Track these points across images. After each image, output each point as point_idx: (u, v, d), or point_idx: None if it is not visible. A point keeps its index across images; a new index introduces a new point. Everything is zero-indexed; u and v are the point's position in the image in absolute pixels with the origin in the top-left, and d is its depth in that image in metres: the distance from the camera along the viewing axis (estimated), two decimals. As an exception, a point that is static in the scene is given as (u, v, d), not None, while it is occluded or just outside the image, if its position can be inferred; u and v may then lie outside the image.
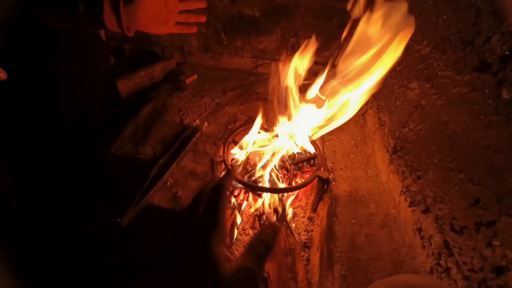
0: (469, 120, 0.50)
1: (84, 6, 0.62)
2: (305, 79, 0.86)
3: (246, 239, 0.88)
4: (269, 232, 0.35)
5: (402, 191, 0.69)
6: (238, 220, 0.89)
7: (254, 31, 1.23)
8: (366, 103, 1.05)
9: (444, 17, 0.62)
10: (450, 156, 0.53)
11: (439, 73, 0.61)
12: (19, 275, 0.56)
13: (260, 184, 0.88)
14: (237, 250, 0.85)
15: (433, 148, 0.58)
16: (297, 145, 0.96)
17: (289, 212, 0.91)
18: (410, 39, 0.77)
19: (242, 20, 1.22)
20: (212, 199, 0.37)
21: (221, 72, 1.32)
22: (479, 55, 0.50)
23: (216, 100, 1.16)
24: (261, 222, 0.89)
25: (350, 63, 0.73)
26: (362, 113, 1.05)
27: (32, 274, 0.59)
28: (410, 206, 0.65)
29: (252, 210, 0.92)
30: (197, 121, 1.03)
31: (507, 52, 0.43)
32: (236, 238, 0.86)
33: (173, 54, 1.35)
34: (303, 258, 0.83)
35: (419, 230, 0.60)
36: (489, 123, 0.45)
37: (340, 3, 1.11)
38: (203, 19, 0.74)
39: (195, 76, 1.26)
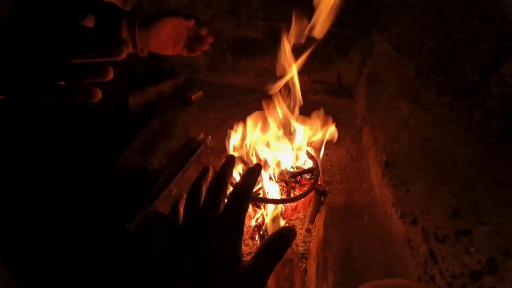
0: (448, 138, 0.55)
1: (105, 30, 0.70)
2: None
3: (246, 249, 0.91)
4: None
5: (393, 203, 0.73)
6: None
7: (257, 51, 1.33)
8: (362, 120, 1.11)
9: (427, 44, 0.69)
10: (434, 170, 0.58)
11: (423, 95, 0.67)
12: (19, 277, 0.58)
13: (260, 195, 0.92)
14: (237, 259, 0.88)
15: (419, 163, 0.63)
16: (295, 158, 1.01)
17: (287, 223, 0.95)
18: (399, 63, 0.84)
19: (246, 42, 1.32)
20: (236, 197, 0.34)
21: (226, 89, 1.40)
22: (455, 80, 0.56)
23: (220, 115, 1.23)
24: (261, 233, 0.93)
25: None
26: (358, 130, 1.10)
27: (34, 276, 0.61)
28: (400, 218, 0.69)
29: (252, 220, 0.96)
30: (202, 135, 1.09)
31: (477, 79, 0.49)
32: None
33: (181, 71, 1.44)
34: (301, 269, 0.86)
35: (408, 240, 0.63)
36: (464, 140, 0.51)
37: (336, 28, 1.20)
38: (206, 47, 0.82)
39: (201, 93, 1.34)
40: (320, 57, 1.28)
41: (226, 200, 0.34)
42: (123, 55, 0.39)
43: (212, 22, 1.29)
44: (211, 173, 0.41)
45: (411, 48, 0.75)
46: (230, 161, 0.40)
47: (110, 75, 0.38)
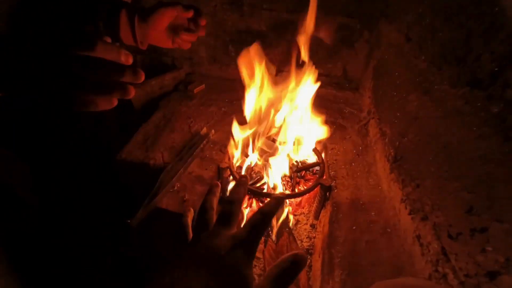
0: (462, 131, 0.53)
1: (104, 24, 0.68)
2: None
3: (250, 244, 0.90)
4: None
5: (402, 199, 0.71)
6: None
7: (261, 44, 1.29)
8: (369, 114, 1.09)
9: (440, 34, 0.66)
10: (446, 165, 0.56)
11: (435, 87, 0.64)
12: (21, 274, 0.57)
13: (264, 191, 0.91)
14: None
15: (430, 158, 0.61)
16: (298, 152, 0.99)
17: (292, 218, 0.93)
18: (409, 54, 0.81)
19: (249, 34, 1.28)
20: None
21: (228, 82, 1.37)
22: (471, 71, 0.53)
23: (223, 109, 1.21)
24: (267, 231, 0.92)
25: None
26: (364, 123, 1.08)
27: (36, 274, 0.60)
28: (409, 214, 0.67)
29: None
30: (205, 129, 1.07)
31: (496, 69, 0.47)
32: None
33: (182, 64, 1.41)
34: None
35: (418, 237, 0.62)
36: (481, 134, 0.48)
37: (342, 19, 1.17)
38: (202, 33, 0.79)
39: (203, 86, 1.31)
40: (325, 49, 1.25)
41: (243, 223, 0.35)
42: (126, 58, 0.40)
43: (215, 13, 1.25)
44: (219, 190, 0.42)
45: (423, 38, 0.72)
46: (243, 183, 0.40)
47: (118, 76, 0.38)
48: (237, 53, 1.33)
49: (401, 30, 0.88)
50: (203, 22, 0.74)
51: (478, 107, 0.50)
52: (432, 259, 0.57)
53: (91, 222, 0.75)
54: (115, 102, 0.38)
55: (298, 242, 0.89)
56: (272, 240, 0.87)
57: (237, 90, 1.32)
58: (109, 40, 0.44)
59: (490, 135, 0.46)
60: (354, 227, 0.72)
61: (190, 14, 0.72)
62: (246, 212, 0.95)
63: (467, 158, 0.50)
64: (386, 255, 0.65)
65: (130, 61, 0.41)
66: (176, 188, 0.86)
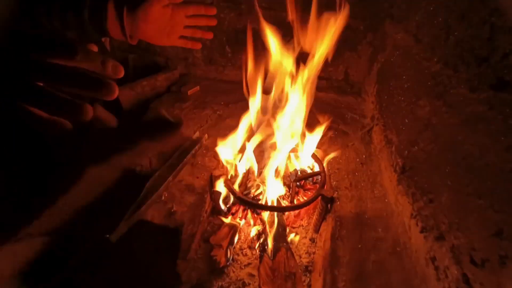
0: (486, 141, 0.46)
1: (89, 13, 0.61)
2: None
3: (244, 260, 0.83)
4: None
5: (412, 214, 0.64)
6: (236, 239, 0.84)
7: (259, 44, 1.23)
8: (372, 120, 1.03)
9: (456, 33, 0.60)
10: (466, 179, 0.49)
11: (451, 91, 0.58)
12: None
13: (260, 202, 0.83)
14: (233, 272, 0.79)
15: (446, 170, 0.54)
16: (298, 160, 0.93)
17: (290, 232, 0.86)
18: (419, 56, 0.75)
19: (247, 34, 1.22)
20: None
21: (224, 84, 1.31)
22: (495, 73, 0.47)
23: (218, 112, 1.14)
24: (260, 241, 0.84)
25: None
26: (367, 130, 1.01)
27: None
28: (421, 231, 0.60)
29: (252, 229, 0.87)
30: (197, 133, 1.00)
31: (529, 70, 0.40)
32: (232, 258, 0.81)
33: (177, 65, 1.35)
34: (304, 283, 0.77)
35: (433, 259, 0.55)
36: (510, 145, 0.42)
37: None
38: (209, 36, 0.75)
39: (198, 88, 1.25)
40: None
41: None
42: (114, 70, 0.32)
43: (211, 11, 1.19)
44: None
45: (435, 38, 0.66)
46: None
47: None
48: (234, 54, 1.28)
49: (409, 30, 0.83)
50: (212, 11, 0.68)
51: (505, 113, 0.43)
52: (450, 286, 0.49)
53: (68, 236, 0.67)
54: (68, 126, 0.31)
55: (297, 257, 0.82)
56: (268, 255, 0.79)
57: (233, 92, 1.26)
58: (95, 48, 0.36)
59: (523, 146, 0.40)
60: (359, 246, 0.65)
61: (190, 10, 0.66)
62: (242, 223, 0.87)
63: (493, 171, 0.43)
64: (396, 279, 0.58)
65: (121, 73, 0.33)
66: (163, 198, 0.79)
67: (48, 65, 0.29)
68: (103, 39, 0.81)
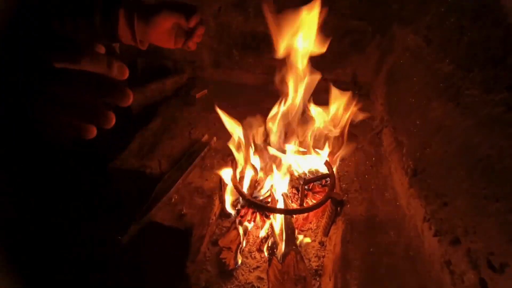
0: (505, 143, 0.45)
1: (100, 18, 0.62)
2: None
3: (253, 263, 0.82)
4: None
5: (425, 218, 0.63)
6: (245, 241, 0.84)
7: (266, 48, 1.24)
8: (381, 121, 1.02)
9: (469, 34, 0.59)
10: (483, 182, 0.48)
11: (465, 92, 0.57)
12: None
13: (269, 204, 0.83)
14: (242, 275, 0.79)
15: (462, 173, 0.54)
16: (307, 162, 0.92)
17: (299, 235, 0.85)
18: (430, 57, 0.74)
19: (254, 37, 1.23)
20: None
21: (232, 87, 1.31)
22: (512, 74, 0.46)
23: (226, 115, 1.14)
24: (269, 245, 0.84)
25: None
26: (377, 132, 1.01)
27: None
28: (435, 235, 0.59)
29: (260, 231, 0.87)
30: (206, 136, 1.01)
31: (548, 70, 0.40)
32: (241, 261, 0.81)
33: (185, 69, 1.36)
34: (314, 287, 0.76)
35: (448, 263, 0.54)
36: (530, 147, 0.41)
37: (351, 22, 1.11)
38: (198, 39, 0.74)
39: (206, 91, 1.26)
40: (334, 54, 1.19)
41: None
42: (120, 71, 0.33)
43: (219, 15, 1.21)
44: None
45: (446, 40, 0.66)
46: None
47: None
48: (241, 57, 1.28)
49: (419, 32, 0.82)
50: (201, 31, 0.70)
51: (524, 115, 0.42)
52: (467, 291, 0.48)
53: (78, 237, 0.68)
54: (94, 131, 0.31)
55: (306, 261, 0.81)
56: (277, 259, 0.79)
57: (241, 95, 1.26)
58: (102, 49, 0.36)
59: (543, 148, 0.39)
60: (371, 249, 0.64)
61: (194, 22, 0.67)
62: (250, 226, 0.87)
63: (511, 174, 0.42)
64: (410, 283, 0.57)
65: (126, 74, 0.33)
66: (173, 200, 0.79)
67: (63, 71, 0.29)
68: (113, 45, 0.83)
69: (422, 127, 0.71)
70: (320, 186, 0.94)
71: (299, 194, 0.86)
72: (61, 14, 0.56)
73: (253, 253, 0.84)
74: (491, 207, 0.46)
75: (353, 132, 1.08)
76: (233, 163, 0.87)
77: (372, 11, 1.05)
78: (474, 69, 0.55)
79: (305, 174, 0.91)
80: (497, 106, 0.48)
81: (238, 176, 0.85)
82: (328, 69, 1.23)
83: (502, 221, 0.44)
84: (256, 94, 1.22)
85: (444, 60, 0.66)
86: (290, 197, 0.90)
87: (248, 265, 0.81)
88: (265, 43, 1.23)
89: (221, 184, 0.81)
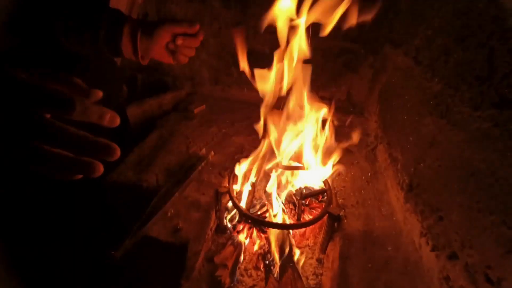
0: (494, 157, 0.47)
1: (105, 34, 0.65)
2: None
3: (248, 280, 0.80)
4: None
5: (422, 232, 0.63)
6: (241, 258, 0.82)
7: (264, 65, 1.28)
8: (376, 138, 1.04)
9: (455, 56, 0.63)
10: (476, 195, 0.49)
11: (454, 109, 0.60)
12: None
13: (266, 219, 0.82)
14: (238, 293, 0.76)
15: (455, 187, 0.55)
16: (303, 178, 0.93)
17: (297, 251, 0.84)
18: (420, 77, 0.78)
19: (252, 55, 1.27)
20: None
21: (230, 103, 1.34)
22: (497, 91, 0.49)
23: (224, 130, 1.16)
24: (266, 262, 0.82)
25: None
26: (372, 148, 1.03)
27: None
28: (432, 250, 0.59)
29: (256, 247, 0.85)
30: (203, 150, 1.01)
31: (530, 88, 0.42)
32: (237, 279, 0.78)
33: (184, 84, 1.39)
34: (312, 307, 0.74)
35: (446, 279, 0.53)
36: (519, 160, 0.43)
37: (345, 44, 1.17)
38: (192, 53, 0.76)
39: (204, 106, 1.28)
40: (329, 73, 1.23)
41: None
42: (111, 120, 0.34)
43: (219, 34, 1.26)
44: None
45: (435, 60, 0.70)
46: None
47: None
48: (240, 74, 1.32)
49: (409, 53, 0.87)
50: (200, 37, 0.73)
51: (511, 130, 0.44)
52: (467, 307, 0.48)
53: (71, 252, 0.66)
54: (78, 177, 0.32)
55: (303, 279, 0.79)
56: (273, 277, 0.77)
57: (239, 111, 1.28)
58: (99, 94, 0.37)
59: (531, 161, 0.40)
60: (369, 265, 0.63)
61: (195, 29, 0.71)
62: (247, 242, 0.85)
63: (504, 187, 0.44)
64: (410, 300, 0.56)
65: (117, 123, 0.34)
66: (169, 214, 0.78)
67: (51, 126, 0.29)
68: (115, 58, 0.85)
69: (416, 143, 0.73)
70: (317, 201, 0.93)
71: (296, 210, 0.85)
72: (67, 28, 0.59)
73: (249, 271, 0.82)
74: (485, 220, 0.47)
75: (349, 148, 1.10)
76: (231, 177, 0.87)
77: (364, 34, 1.11)
78: (461, 87, 0.58)
79: (302, 189, 0.92)
80: (485, 121, 0.50)
81: (235, 191, 0.84)
82: (323, 87, 1.27)
83: (497, 234, 0.44)
84: (254, 110, 1.24)
85: (433, 79, 0.70)
86: (287, 212, 0.89)
87: (244, 283, 0.79)
88: (264, 61, 1.28)
89: (217, 199, 0.81)
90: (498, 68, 0.49)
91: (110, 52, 0.69)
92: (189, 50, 0.75)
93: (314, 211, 0.91)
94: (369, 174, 0.93)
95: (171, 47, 0.71)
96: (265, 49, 1.24)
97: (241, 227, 0.87)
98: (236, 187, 0.86)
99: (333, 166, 0.88)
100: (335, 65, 1.21)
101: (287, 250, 0.81)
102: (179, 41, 0.70)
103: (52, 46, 0.58)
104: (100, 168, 0.31)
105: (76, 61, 0.69)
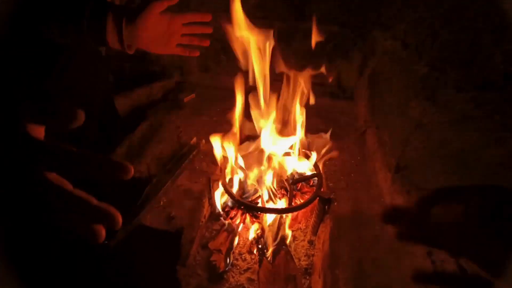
0: (475, 137, 0.49)
1: (88, 23, 0.62)
2: None
3: (243, 264, 0.82)
4: None
5: (408, 212, 0.66)
6: (235, 243, 0.84)
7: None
8: (365, 122, 1.06)
9: (441, 39, 0.63)
10: (458, 174, 0.52)
11: (439, 91, 0.61)
12: None
13: (258, 205, 0.84)
14: (233, 277, 0.78)
15: (439, 166, 0.57)
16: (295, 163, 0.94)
17: (289, 234, 0.86)
18: (407, 60, 0.79)
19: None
20: None
21: (220, 91, 1.33)
22: (480, 73, 0.50)
23: (214, 118, 1.15)
24: (259, 246, 0.84)
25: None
26: (361, 133, 1.04)
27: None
28: (417, 228, 0.61)
29: (250, 233, 0.87)
30: (194, 139, 1.01)
31: (511, 69, 0.43)
32: (231, 263, 0.81)
33: (172, 73, 1.36)
34: (304, 286, 0.77)
35: (429, 254, 0.56)
36: (497, 139, 0.44)
37: (335, 28, 1.16)
38: (206, 43, 0.76)
39: (194, 95, 1.26)
40: (319, 59, 1.23)
41: None
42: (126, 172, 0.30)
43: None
44: None
45: (421, 43, 0.70)
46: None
47: None
48: (229, 61, 1.30)
49: (397, 37, 0.87)
50: (207, 17, 0.70)
51: (491, 110, 0.46)
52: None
53: (65, 241, 0.66)
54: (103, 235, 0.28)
55: (296, 260, 0.82)
56: (267, 260, 0.79)
57: (229, 99, 1.27)
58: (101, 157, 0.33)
59: (508, 139, 0.42)
60: (358, 244, 0.66)
61: (208, 18, 0.68)
62: (240, 227, 0.87)
63: (483, 165, 0.46)
64: (396, 276, 0.59)
65: (130, 174, 0.30)
66: (162, 203, 0.79)
67: (51, 188, 0.25)
68: (100, 48, 0.82)
69: (402, 126, 0.75)
70: (308, 186, 0.95)
71: (288, 194, 0.87)
72: (48, 18, 0.56)
73: (243, 255, 0.84)
74: (465, 197, 0.49)
75: (338, 133, 1.11)
76: (222, 165, 0.87)
77: (353, 18, 1.10)
78: (447, 70, 0.60)
79: (293, 175, 0.93)
80: (467, 103, 0.52)
81: (227, 178, 0.85)
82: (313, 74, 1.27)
83: (476, 210, 0.46)
84: (244, 98, 1.24)
85: (420, 62, 0.70)
86: (279, 197, 0.91)
87: (238, 267, 0.81)
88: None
89: (210, 186, 0.81)
90: (481, 50, 0.50)
91: (94, 42, 0.67)
92: (199, 39, 0.73)
93: (306, 196, 0.93)
94: (358, 158, 0.95)
95: (165, 36, 0.69)
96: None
97: (234, 213, 0.89)
98: (227, 173, 0.87)
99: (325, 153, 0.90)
100: (324, 50, 1.20)
101: (279, 233, 0.84)
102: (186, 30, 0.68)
103: (34, 38, 0.55)
104: (101, 234, 0.28)
105: (58, 53, 0.67)
